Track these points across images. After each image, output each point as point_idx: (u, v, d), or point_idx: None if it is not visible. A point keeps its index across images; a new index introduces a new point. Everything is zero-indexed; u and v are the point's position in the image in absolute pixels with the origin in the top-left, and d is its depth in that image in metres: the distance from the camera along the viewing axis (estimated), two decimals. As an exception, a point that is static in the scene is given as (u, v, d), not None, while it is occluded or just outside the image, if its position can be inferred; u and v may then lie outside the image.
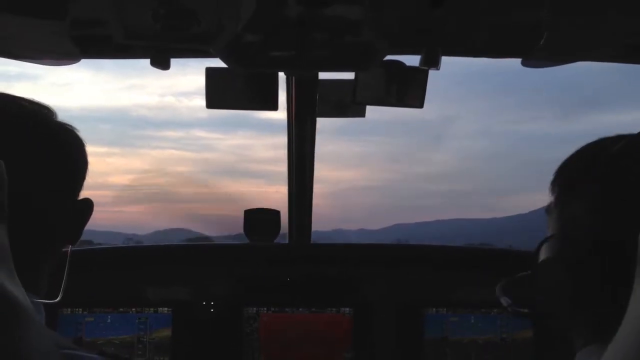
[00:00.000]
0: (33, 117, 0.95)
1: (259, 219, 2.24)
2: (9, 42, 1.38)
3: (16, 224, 0.86)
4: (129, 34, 1.23)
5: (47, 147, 0.94)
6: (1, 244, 0.69)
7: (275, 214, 2.25)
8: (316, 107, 1.81)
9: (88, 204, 1.02)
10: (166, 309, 2.22)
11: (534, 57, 1.38)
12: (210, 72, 1.62)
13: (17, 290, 0.66)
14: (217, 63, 1.45)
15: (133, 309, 2.20)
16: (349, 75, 1.65)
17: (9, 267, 0.68)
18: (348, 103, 1.81)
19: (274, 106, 1.67)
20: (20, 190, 0.87)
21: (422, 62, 1.39)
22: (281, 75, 1.66)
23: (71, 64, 1.50)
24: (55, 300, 1.01)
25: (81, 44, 1.39)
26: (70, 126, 1.00)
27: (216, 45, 1.29)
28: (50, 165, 0.94)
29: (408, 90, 1.59)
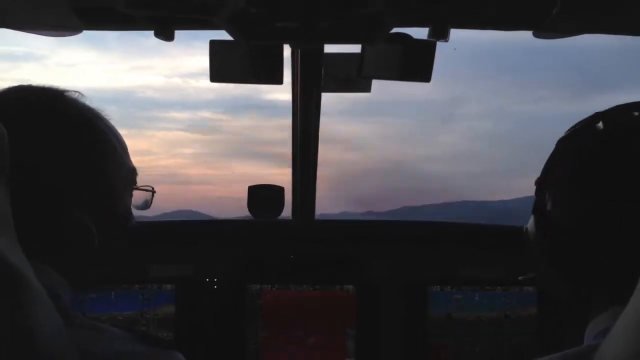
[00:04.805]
0: (63, 104, 0.97)
1: (262, 196, 2.22)
2: (10, 13, 1.35)
3: (43, 207, 0.88)
4: (131, 3, 1.20)
5: (74, 131, 0.95)
6: (2, 210, 0.67)
7: (279, 190, 2.23)
8: (321, 81, 1.78)
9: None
10: (169, 285, 2.21)
11: (545, 28, 1.36)
12: (214, 45, 1.59)
13: (18, 260, 0.65)
14: (222, 36, 1.42)
15: (136, 286, 2.20)
16: (355, 49, 1.62)
17: (10, 236, 0.67)
18: (354, 77, 1.79)
19: (279, 80, 1.64)
20: (44, 177, 0.88)
21: (430, 34, 1.36)
22: (287, 49, 1.63)
23: (72, 35, 1.47)
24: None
25: (82, 15, 1.36)
26: (100, 112, 1.02)
27: (221, 16, 1.26)
28: (76, 146, 0.94)
29: (415, 64, 1.56)
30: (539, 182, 1.01)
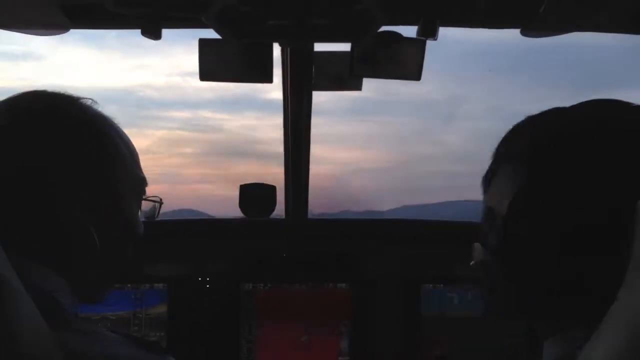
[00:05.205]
0: (71, 107, 0.97)
1: (254, 194, 2.22)
2: None
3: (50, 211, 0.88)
4: (119, 1, 1.20)
5: (80, 133, 0.94)
6: None
7: (271, 189, 2.22)
8: (312, 79, 1.78)
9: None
10: (162, 284, 2.21)
11: (534, 27, 1.36)
12: (203, 44, 1.58)
13: (1, 265, 0.65)
14: (212, 34, 1.42)
15: (129, 285, 2.19)
16: (348, 47, 1.62)
17: None
18: (344, 76, 1.78)
19: (268, 79, 1.64)
20: (46, 176, 0.87)
21: (419, 32, 1.36)
22: (276, 47, 1.63)
23: (60, 33, 1.47)
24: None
25: (70, 13, 1.36)
26: (112, 119, 1.01)
27: (209, 14, 1.25)
28: (81, 148, 0.94)
29: (405, 62, 1.56)
30: (504, 207, 0.86)
